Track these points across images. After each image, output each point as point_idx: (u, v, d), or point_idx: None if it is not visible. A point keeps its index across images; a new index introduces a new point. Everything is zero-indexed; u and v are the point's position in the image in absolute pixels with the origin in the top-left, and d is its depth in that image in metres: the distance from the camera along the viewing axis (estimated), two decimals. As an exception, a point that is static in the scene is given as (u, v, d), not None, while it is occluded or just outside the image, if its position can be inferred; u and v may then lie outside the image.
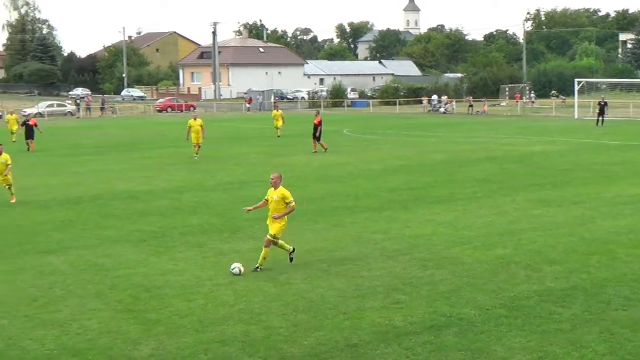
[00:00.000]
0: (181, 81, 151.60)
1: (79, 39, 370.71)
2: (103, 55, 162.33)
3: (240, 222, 24.33)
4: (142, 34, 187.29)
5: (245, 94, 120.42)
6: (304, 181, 33.54)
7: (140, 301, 16.06)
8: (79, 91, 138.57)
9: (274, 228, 18.18)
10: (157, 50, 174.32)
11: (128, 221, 24.95)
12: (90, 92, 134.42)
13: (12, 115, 59.88)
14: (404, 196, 29.05)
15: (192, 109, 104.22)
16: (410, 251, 20.02)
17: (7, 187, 28.95)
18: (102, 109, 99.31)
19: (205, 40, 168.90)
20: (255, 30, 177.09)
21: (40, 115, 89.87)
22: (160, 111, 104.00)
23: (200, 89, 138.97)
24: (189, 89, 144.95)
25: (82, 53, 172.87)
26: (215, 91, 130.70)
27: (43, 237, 22.70)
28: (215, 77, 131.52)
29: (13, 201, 28.71)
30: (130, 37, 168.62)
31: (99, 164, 42.07)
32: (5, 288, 17.21)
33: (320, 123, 45.30)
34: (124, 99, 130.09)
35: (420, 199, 28.24)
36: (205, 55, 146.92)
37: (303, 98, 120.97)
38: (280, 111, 58.58)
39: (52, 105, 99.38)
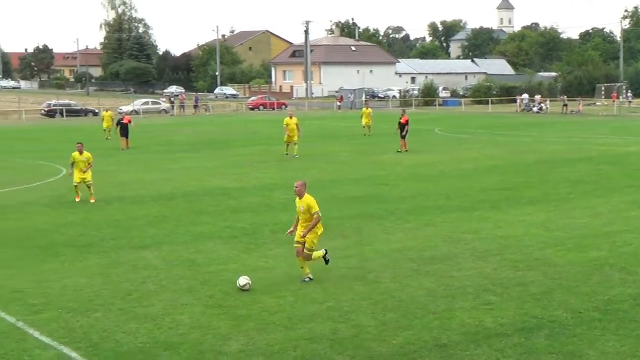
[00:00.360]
0: (273, 79, 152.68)
1: (174, 37, 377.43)
2: (197, 54, 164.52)
3: (330, 220, 24.37)
4: (235, 33, 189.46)
5: (337, 92, 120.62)
6: (395, 179, 33.48)
7: (231, 297, 16.23)
8: (173, 89, 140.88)
9: (308, 241, 17.08)
10: (250, 48, 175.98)
11: (220, 218, 25.26)
12: (184, 90, 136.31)
13: (107, 112, 61.01)
14: (495, 196, 28.73)
15: (283, 107, 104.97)
16: (501, 252, 19.79)
17: (87, 186, 28.55)
18: (196, 106, 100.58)
19: (298, 39, 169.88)
20: (347, 29, 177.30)
21: (136, 112, 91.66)
22: (252, 109, 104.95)
23: (292, 87, 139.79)
24: (280, 87, 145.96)
25: (177, 51, 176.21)
26: (306, 89, 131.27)
27: (137, 232, 23.14)
28: (307, 76, 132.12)
29: (92, 200, 28.43)
30: (223, 36, 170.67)
31: (192, 160, 42.69)
32: (100, 281, 17.60)
33: (407, 122, 45.08)
34: (217, 97, 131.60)
35: (512, 199, 27.89)
36: (297, 54, 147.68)
37: (394, 97, 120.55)
38: (370, 109, 58.69)
39: (147, 103, 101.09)
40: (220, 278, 17.68)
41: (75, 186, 28.35)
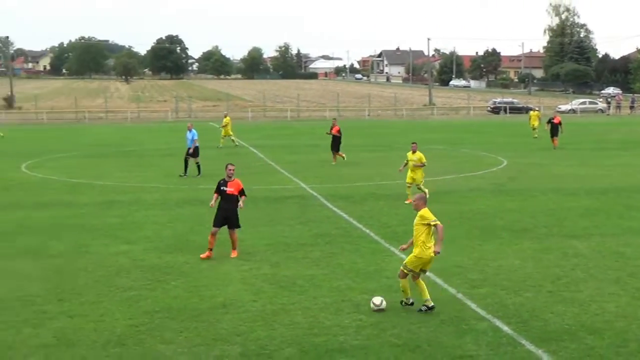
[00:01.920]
0: None
1: (613, 41, 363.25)
2: (635, 57, 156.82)
3: None
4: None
5: None
6: None
7: (658, 291, 15.22)
8: (610, 90, 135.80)
9: (408, 259, 14.24)
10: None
11: (650, 214, 23.92)
12: (620, 91, 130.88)
13: (534, 112, 59.38)
14: None
15: None
16: None
17: (417, 186, 25.83)
18: (632, 107, 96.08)
19: None
20: None
21: (573, 111, 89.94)
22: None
23: None
24: None
25: (616, 55, 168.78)
26: None
27: (569, 221, 22.72)
28: None
29: (408, 202, 24.74)
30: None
31: (627, 158, 40.83)
32: (532, 264, 17.57)
33: None
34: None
35: None
36: None
37: None
38: None
39: (584, 103, 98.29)
40: (648, 272, 16.73)
41: (408, 186, 26.41)
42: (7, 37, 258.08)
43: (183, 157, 33.69)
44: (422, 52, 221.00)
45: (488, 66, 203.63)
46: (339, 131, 38.13)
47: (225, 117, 48.52)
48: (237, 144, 47.71)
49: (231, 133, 47.50)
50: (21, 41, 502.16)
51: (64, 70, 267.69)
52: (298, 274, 16.92)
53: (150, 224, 22.74)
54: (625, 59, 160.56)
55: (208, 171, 32.96)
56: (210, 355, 12.23)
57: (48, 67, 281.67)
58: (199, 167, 33.32)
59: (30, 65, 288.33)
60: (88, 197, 27.80)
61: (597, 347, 12.29)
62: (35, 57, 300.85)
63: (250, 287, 15.90)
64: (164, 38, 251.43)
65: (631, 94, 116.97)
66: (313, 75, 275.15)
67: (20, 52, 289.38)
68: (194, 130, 33.58)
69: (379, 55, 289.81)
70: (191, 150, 33.13)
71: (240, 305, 14.65)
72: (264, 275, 16.80)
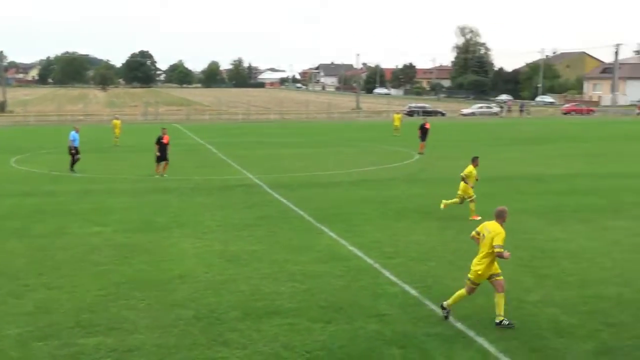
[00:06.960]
0: (584, 90, 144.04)
1: (507, 57, 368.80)
2: (524, 70, 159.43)
3: (623, 204, 22.67)
4: (556, 53, 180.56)
5: (638, 101, 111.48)
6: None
7: (536, 259, 15.68)
8: (503, 97, 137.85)
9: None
10: (567, 66, 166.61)
11: (531, 197, 24.41)
12: (511, 98, 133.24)
13: (397, 114, 59.18)
14: None
15: (591, 112, 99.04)
16: None
17: (466, 199, 21.33)
18: (521, 111, 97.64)
19: (608, 58, 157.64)
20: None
21: (473, 114, 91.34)
22: (565, 114, 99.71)
23: (599, 97, 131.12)
24: (590, 96, 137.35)
25: (509, 68, 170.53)
26: (611, 99, 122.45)
27: (467, 205, 22.79)
28: (613, 88, 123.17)
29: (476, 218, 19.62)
30: (547, 56, 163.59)
31: (514, 152, 41.43)
32: (436, 239, 17.71)
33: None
34: (537, 103, 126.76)
35: None
36: (606, 71, 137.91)
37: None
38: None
39: (482, 107, 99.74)
40: (529, 244, 17.11)
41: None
42: (1, 52, 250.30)
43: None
44: (352, 65, 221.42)
45: (405, 77, 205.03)
46: None
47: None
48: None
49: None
50: (13, 55, 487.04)
51: (50, 80, 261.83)
52: (243, 249, 16.79)
53: (119, 209, 22.35)
54: (515, 72, 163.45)
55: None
56: (168, 318, 12.07)
57: (36, 77, 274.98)
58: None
59: (21, 75, 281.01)
60: (66, 187, 27.21)
61: (485, 305, 12.48)
62: (26, 68, 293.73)
63: (202, 261, 15.72)
64: (136, 53, 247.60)
65: (520, 100, 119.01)
66: (261, 85, 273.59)
67: (13, 64, 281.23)
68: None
69: (317, 68, 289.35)
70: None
71: (194, 277, 14.49)
72: (215, 251, 16.63)
